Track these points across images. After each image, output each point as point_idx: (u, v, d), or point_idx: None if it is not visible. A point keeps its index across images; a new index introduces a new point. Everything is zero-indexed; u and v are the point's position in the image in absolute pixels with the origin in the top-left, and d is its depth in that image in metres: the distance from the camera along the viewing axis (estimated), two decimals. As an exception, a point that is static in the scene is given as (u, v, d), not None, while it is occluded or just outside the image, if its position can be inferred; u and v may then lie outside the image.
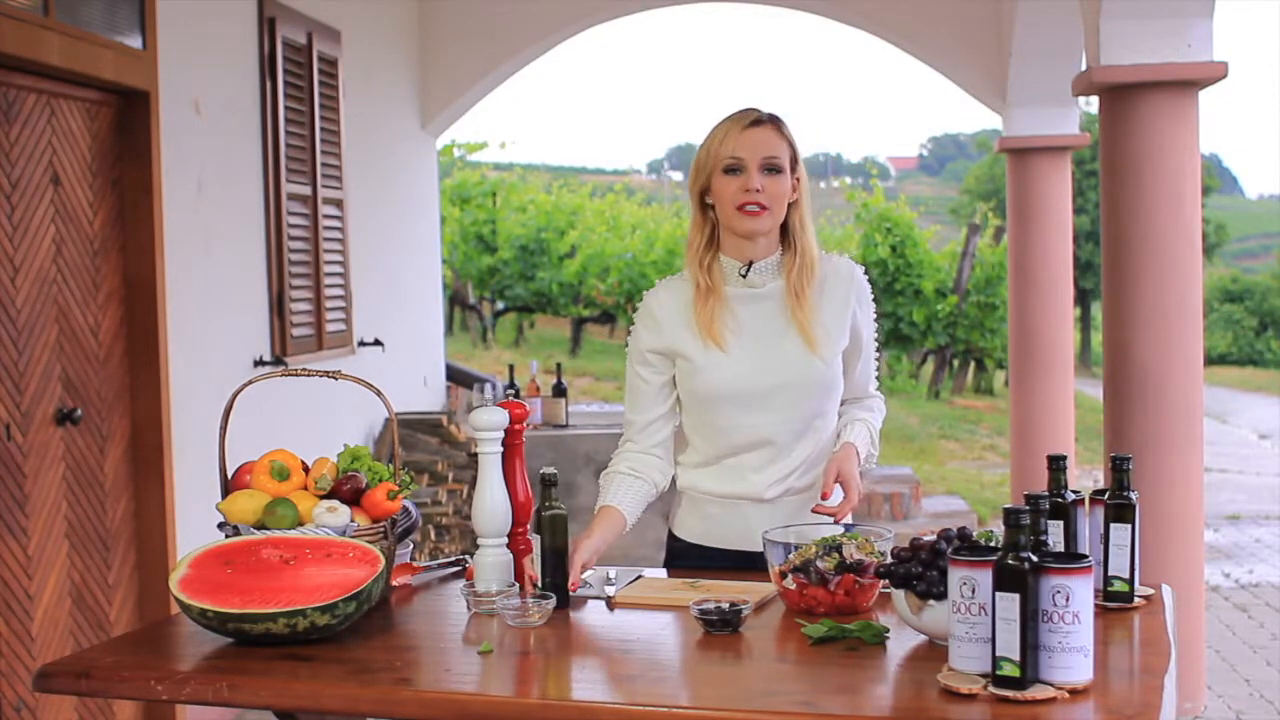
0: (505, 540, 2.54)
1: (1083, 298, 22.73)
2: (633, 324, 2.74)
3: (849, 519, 2.72)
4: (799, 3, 7.47)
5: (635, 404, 2.73)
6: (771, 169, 2.57)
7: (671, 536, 2.82)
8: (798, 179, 2.63)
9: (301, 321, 5.52)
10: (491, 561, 2.52)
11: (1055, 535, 2.28)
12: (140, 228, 4.39)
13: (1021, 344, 7.28)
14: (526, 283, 15.35)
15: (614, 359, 15.76)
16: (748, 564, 2.64)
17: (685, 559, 2.77)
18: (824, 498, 2.59)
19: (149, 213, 4.38)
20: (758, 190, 2.54)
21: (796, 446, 2.64)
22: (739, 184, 2.56)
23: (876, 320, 2.80)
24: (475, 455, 2.59)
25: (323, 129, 5.76)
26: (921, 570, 2.09)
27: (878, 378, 2.84)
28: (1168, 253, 4.61)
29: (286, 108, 5.41)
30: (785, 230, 2.64)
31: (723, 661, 2.12)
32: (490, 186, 16.02)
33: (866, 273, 2.74)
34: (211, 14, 4.89)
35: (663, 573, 2.71)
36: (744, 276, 2.63)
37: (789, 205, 2.62)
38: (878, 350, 2.82)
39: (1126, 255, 4.65)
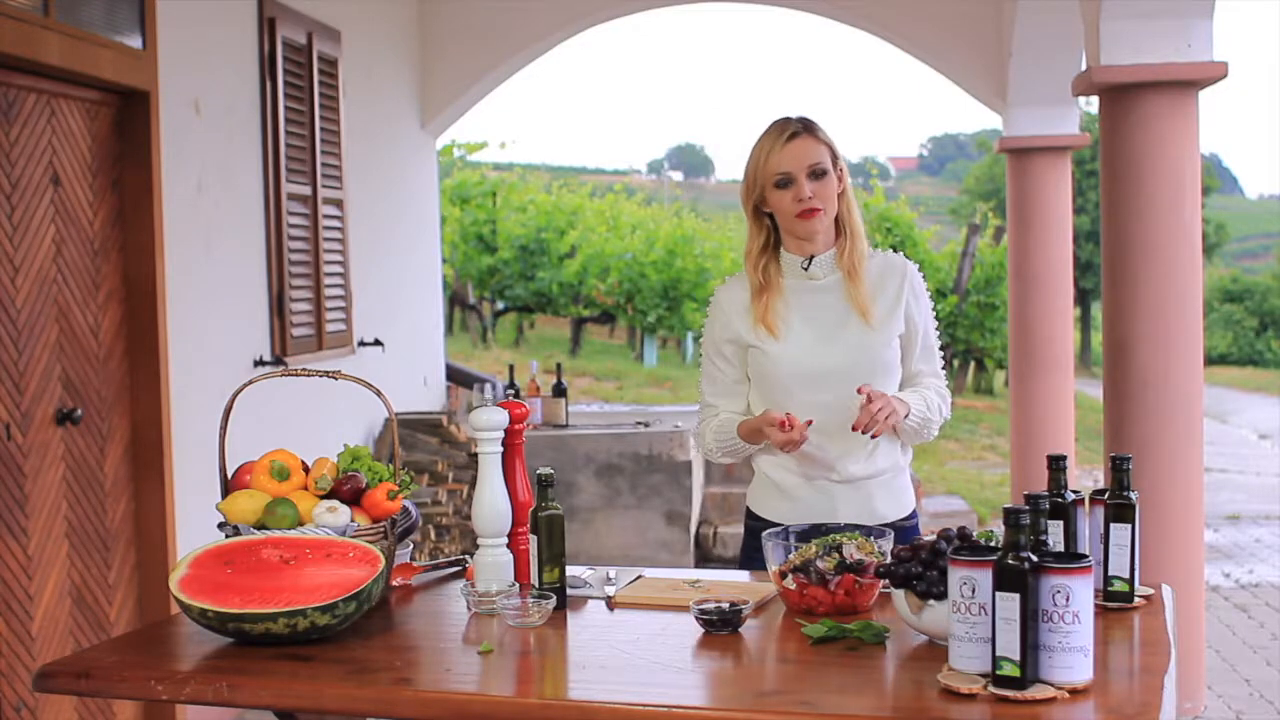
0: (505, 540, 2.54)
1: (1083, 298, 22.73)
2: (706, 318, 2.94)
3: (846, 522, 2.73)
4: (799, 3, 7.47)
5: (718, 391, 2.89)
6: (817, 174, 2.76)
7: (751, 515, 2.92)
8: (840, 169, 2.82)
9: (301, 321, 5.52)
10: (491, 561, 2.52)
11: (1055, 535, 2.28)
12: (140, 228, 4.39)
13: (1021, 344, 7.28)
14: (526, 283, 15.34)
15: (614, 359, 15.77)
16: None
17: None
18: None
19: (149, 213, 4.38)
20: (810, 198, 2.74)
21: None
22: (792, 195, 2.76)
23: (936, 316, 2.92)
24: (475, 455, 2.59)
25: (323, 129, 5.76)
26: (921, 570, 2.09)
27: (945, 372, 2.97)
28: (1168, 253, 4.61)
29: (286, 108, 5.41)
30: (836, 218, 2.84)
31: (723, 661, 2.12)
32: (490, 186, 16.01)
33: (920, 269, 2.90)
34: (211, 14, 4.89)
35: (663, 573, 2.71)
36: (805, 270, 2.82)
37: (838, 196, 2.82)
38: (942, 349, 2.96)
39: (1126, 255, 4.65)
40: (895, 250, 2.93)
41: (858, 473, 2.79)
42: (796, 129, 2.77)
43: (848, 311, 2.79)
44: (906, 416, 2.74)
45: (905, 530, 2.81)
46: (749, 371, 2.85)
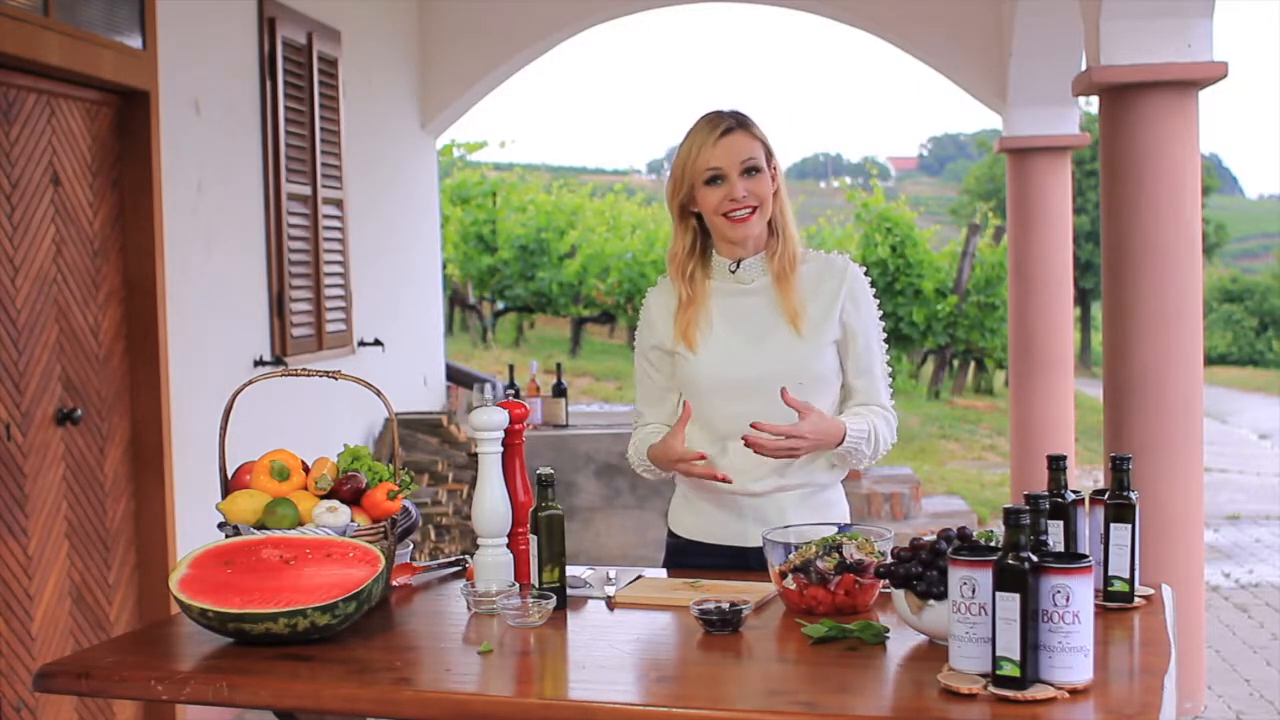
0: (505, 540, 2.54)
1: (1083, 298, 22.73)
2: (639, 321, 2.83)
3: (847, 520, 2.73)
4: (799, 3, 7.47)
5: (645, 398, 2.81)
6: (751, 171, 2.62)
7: (670, 534, 2.84)
8: (774, 168, 2.68)
9: (301, 321, 5.51)
10: (491, 561, 2.52)
11: (1055, 535, 2.28)
12: (140, 228, 4.39)
13: (1021, 344, 7.28)
14: (526, 283, 15.33)
15: (614, 359, 15.75)
16: (741, 560, 2.66)
17: (683, 555, 2.78)
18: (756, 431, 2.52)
19: (149, 213, 4.38)
20: (744, 196, 2.61)
21: None
22: (723, 193, 2.63)
23: (884, 327, 2.77)
24: (475, 455, 2.59)
25: (323, 129, 5.76)
26: (921, 570, 2.09)
27: (892, 395, 2.76)
28: (1168, 253, 4.61)
29: (286, 108, 5.41)
30: (768, 219, 2.69)
31: (723, 661, 2.12)
32: (490, 186, 16.00)
33: (869, 273, 2.75)
34: (211, 14, 4.89)
35: (663, 573, 2.71)
36: (734, 273, 2.70)
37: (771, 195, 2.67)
38: (889, 364, 2.77)
39: (1126, 255, 4.65)
40: (841, 252, 2.74)
41: (757, 489, 2.64)
42: (730, 124, 2.62)
43: (776, 318, 2.64)
44: (839, 445, 2.57)
45: None
46: (677, 381, 2.73)
